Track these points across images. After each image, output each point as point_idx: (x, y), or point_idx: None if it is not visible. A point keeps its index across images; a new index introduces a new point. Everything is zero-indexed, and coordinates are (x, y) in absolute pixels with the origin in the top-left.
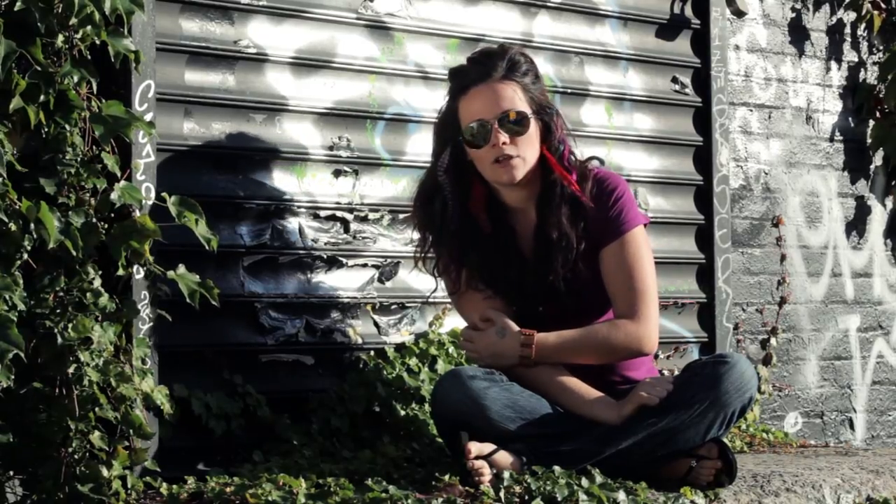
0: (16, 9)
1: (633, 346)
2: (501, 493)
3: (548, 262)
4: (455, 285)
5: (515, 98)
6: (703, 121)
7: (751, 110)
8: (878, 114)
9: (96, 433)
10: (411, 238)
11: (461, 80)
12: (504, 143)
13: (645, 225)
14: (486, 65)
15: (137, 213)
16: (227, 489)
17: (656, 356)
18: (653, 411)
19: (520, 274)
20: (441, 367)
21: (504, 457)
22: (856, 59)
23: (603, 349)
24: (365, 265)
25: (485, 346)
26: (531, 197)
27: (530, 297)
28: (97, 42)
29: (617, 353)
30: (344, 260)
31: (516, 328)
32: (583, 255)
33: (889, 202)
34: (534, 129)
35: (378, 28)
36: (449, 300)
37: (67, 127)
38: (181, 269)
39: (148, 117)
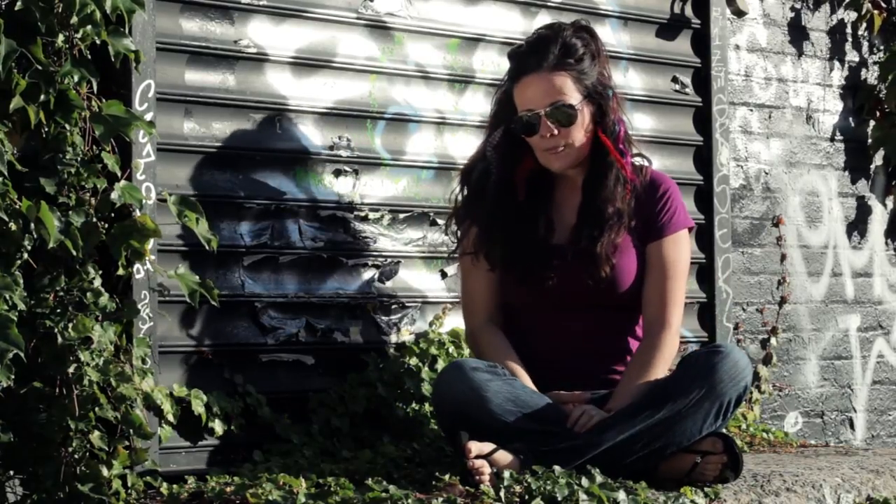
0: (16, 8)
1: (672, 356)
2: (501, 493)
3: (593, 234)
4: (464, 247)
5: (564, 89)
6: (703, 121)
7: (751, 110)
8: (878, 114)
9: (96, 433)
10: (411, 238)
11: (516, 67)
12: (553, 135)
13: (690, 229)
14: (539, 53)
15: (138, 213)
16: (227, 489)
17: None
18: (649, 403)
19: (543, 235)
20: (441, 366)
21: (504, 456)
22: (856, 59)
23: (662, 370)
24: (365, 265)
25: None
26: (581, 172)
27: (546, 265)
28: (97, 42)
29: (667, 365)
30: (344, 260)
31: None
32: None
33: (889, 202)
34: (582, 117)
35: (378, 28)
36: (449, 299)
37: (67, 127)
38: (181, 268)
39: (148, 117)
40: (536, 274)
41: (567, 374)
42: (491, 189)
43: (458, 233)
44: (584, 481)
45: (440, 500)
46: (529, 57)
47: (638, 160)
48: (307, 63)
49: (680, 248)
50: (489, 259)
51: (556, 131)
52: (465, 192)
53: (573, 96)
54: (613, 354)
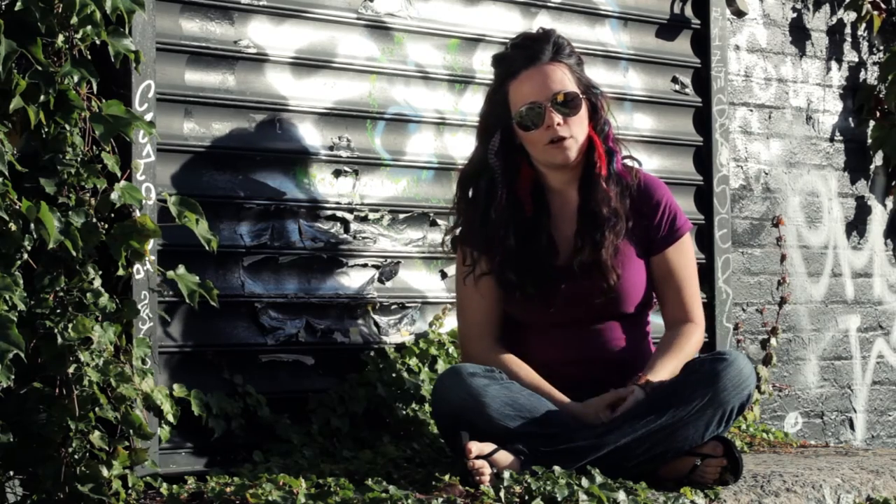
0: (16, 8)
1: (698, 343)
2: (501, 493)
3: (595, 238)
4: (469, 270)
5: (565, 79)
6: (703, 121)
7: (751, 110)
8: (878, 114)
9: (96, 433)
10: (411, 238)
11: (509, 66)
12: (558, 125)
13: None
14: (532, 49)
15: (137, 213)
16: (227, 489)
17: None
18: (652, 408)
19: (546, 256)
20: (441, 367)
21: (504, 456)
22: (856, 60)
23: (688, 351)
24: (365, 265)
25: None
26: (574, 178)
27: (551, 281)
28: (97, 42)
29: (693, 349)
30: (344, 260)
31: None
32: (630, 233)
33: (889, 202)
34: (583, 108)
35: (378, 28)
36: (449, 300)
37: (67, 127)
38: (181, 269)
39: (148, 117)
40: (545, 298)
41: (572, 383)
42: (499, 208)
43: (472, 254)
44: (584, 482)
45: (440, 500)
46: (522, 55)
47: (628, 161)
48: (307, 63)
49: (686, 253)
50: (503, 283)
51: (560, 121)
52: (472, 208)
53: (573, 87)
54: (621, 363)
